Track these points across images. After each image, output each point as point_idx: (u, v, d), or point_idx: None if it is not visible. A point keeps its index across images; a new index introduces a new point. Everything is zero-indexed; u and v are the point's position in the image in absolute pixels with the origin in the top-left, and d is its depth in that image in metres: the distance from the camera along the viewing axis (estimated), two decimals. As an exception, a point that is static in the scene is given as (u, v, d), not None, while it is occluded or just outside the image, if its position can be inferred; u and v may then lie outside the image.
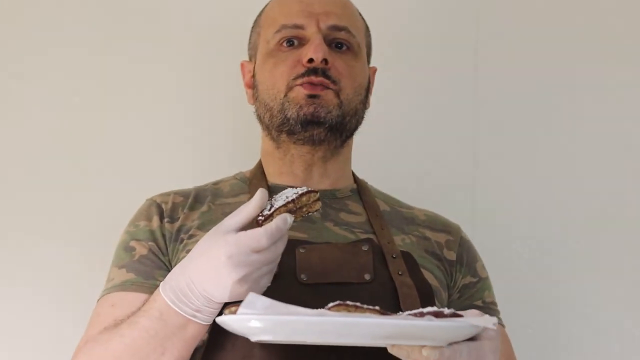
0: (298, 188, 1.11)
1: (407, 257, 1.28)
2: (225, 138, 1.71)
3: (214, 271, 1.04)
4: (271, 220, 1.08)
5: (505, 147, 1.73)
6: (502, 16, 1.76)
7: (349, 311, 0.96)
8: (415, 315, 0.97)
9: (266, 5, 1.43)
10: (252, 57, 1.42)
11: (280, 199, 1.10)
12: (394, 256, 1.26)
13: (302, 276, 1.20)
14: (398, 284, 1.22)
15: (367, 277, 1.22)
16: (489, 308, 1.34)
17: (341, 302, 0.97)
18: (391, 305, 1.19)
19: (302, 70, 1.30)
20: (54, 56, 1.70)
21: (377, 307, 0.97)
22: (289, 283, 1.19)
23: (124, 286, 1.24)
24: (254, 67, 1.39)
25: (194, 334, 1.10)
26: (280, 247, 1.07)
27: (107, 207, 1.66)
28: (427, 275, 1.28)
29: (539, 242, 1.70)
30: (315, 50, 1.29)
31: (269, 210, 1.08)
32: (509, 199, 1.72)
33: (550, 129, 1.73)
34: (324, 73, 1.30)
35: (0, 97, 1.69)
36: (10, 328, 1.62)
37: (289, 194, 1.10)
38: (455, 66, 1.75)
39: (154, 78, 1.71)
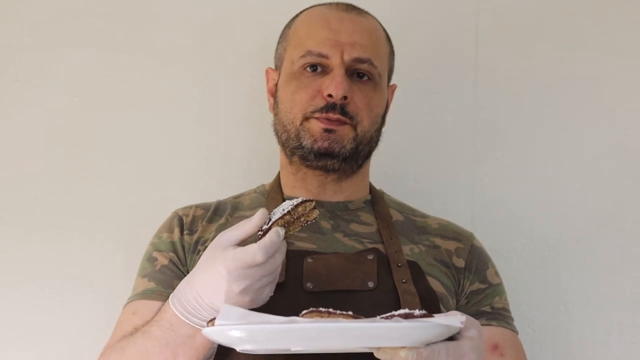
0: (294, 199, 1.15)
1: (413, 266, 1.32)
2: (239, 146, 1.71)
3: (217, 285, 1.09)
4: None
5: (505, 147, 1.74)
6: (503, 16, 1.76)
7: (322, 317, 0.99)
8: (386, 318, 0.99)
9: (295, 19, 1.45)
10: (277, 67, 1.46)
11: (277, 212, 1.13)
12: (399, 265, 1.30)
13: (308, 284, 1.26)
14: (401, 291, 1.26)
15: (370, 285, 1.26)
16: (497, 314, 1.36)
17: (314, 309, 1.00)
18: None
19: (321, 103, 1.34)
20: (67, 56, 1.71)
21: (350, 312, 0.99)
22: (295, 291, 1.24)
23: (145, 294, 1.31)
24: (278, 80, 1.43)
25: (203, 342, 1.16)
26: (279, 258, 1.11)
27: (108, 208, 1.67)
28: (433, 283, 1.32)
29: (539, 242, 1.70)
30: (336, 88, 1.33)
31: (268, 224, 1.12)
32: (509, 199, 1.72)
33: (550, 129, 1.73)
34: (342, 109, 1.34)
35: (1, 97, 1.69)
36: (15, 328, 1.63)
37: (285, 207, 1.14)
38: (456, 66, 1.76)
39: (168, 80, 1.71)
